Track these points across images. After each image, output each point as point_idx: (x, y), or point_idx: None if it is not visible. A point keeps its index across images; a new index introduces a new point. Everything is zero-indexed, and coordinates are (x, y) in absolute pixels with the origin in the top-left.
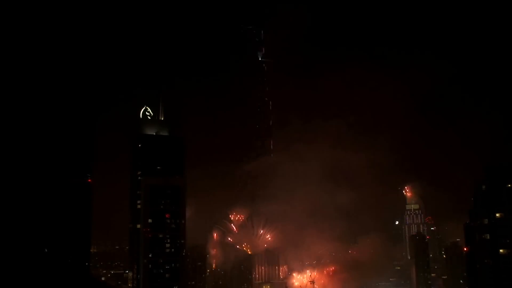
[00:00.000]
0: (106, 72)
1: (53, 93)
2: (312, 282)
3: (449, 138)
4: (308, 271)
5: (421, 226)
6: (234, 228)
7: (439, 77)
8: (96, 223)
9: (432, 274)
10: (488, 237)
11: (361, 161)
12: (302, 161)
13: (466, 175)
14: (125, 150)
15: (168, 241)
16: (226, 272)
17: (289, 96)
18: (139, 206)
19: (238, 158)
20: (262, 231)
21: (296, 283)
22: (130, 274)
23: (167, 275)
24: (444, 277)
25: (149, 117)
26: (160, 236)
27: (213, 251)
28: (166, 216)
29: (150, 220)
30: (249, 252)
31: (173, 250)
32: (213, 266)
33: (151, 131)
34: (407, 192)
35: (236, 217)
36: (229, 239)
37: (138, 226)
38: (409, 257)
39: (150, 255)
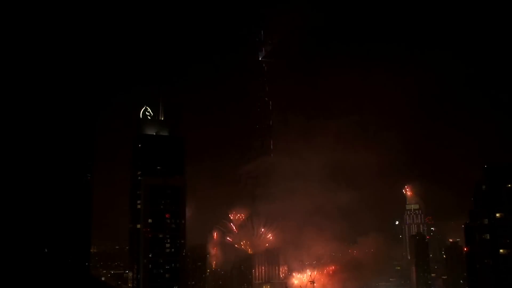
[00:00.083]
0: (106, 72)
1: (53, 93)
2: (312, 282)
3: (449, 138)
4: (308, 270)
5: (421, 226)
6: (234, 228)
7: (439, 77)
8: (96, 223)
9: (432, 274)
10: (488, 237)
11: (361, 160)
12: (302, 160)
13: (467, 175)
14: (125, 150)
15: (168, 241)
16: (226, 272)
17: (290, 96)
18: (139, 206)
19: (238, 158)
20: (262, 231)
21: (296, 282)
22: (130, 274)
23: (167, 275)
24: (444, 277)
25: (149, 117)
26: (160, 236)
27: (213, 251)
28: (166, 216)
29: (150, 220)
30: (249, 252)
31: (173, 250)
32: (213, 266)
33: (151, 131)
34: (407, 192)
35: (236, 216)
36: (229, 239)
37: (138, 226)
38: (409, 257)
39: (150, 255)
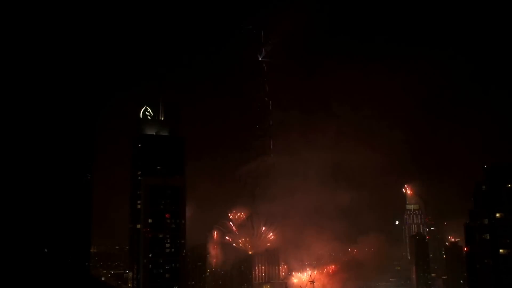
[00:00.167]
0: (106, 72)
1: (54, 93)
2: (312, 282)
3: (449, 138)
4: (308, 269)
5: (421, 226)
6: (234, 228)
7: (440, 77)
8: (96, 223)
9: (432, 274)
10: (488, 237)
11: (362, 160)
12: (302, 160)
13: (467, 175)
14: (125, 150)
15: (168, 241)
16: (226, 272)
17: (290, 95)
18: (139, 206)
19: (238, 157)
20: (262, 231)
21: (295, 280)
22: (130, 274)
23: (167, 275)
24: (444, 277)
25: (149, 117)
26: (160, 236)
27: (213, 251)
28: (166, 216)
29: (150, 220)
30: (249, 252)
31: (173, 250)
32: (213, 266)
33: (151, 131)
34: (407, 190)
35: (236, 215)
36: (229, 239)
37: (138, 226)
38: (409, 257)
39: (150, 255)
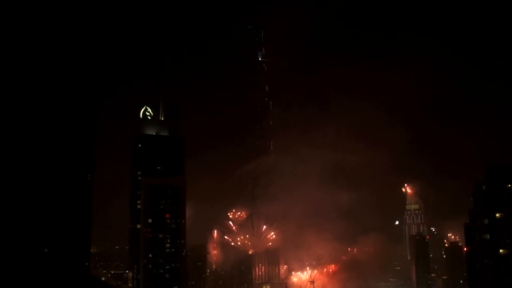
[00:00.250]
0: (106, 72)
1: (53, 93)
2: (312, 282)
3: (449, 138)
4: (308, 268)
5: (421, 226)
6: (234, 228)
7: (440, 77)
8: (96, 223)
9: (432, 274)
10: (488, 237)
11: (361, 161)
12: (302, 161)
13: (467, 175)
14: (125, 150)
15: (168, 241)
16: (226, 272)
17: (290, 94)
18: (139, 206)
19: (238, 157)
20: (262, 230)
21: (295, 279)
22: (130, 274)
23: (167, 275)
24: (444, 277)
25: (149, 117)
26: (160, 236)
27: (213, 251)
28: (166, 216)
29: (150, 220)
30: (249, 252)
31: (173, 250)
32: (213, 266)
33: (151, 131)
34: (407, 190)
35: (236, 215)
36: (229, 238)
37: (138, 226)
38: (409, 257)
39: (150, 255)
